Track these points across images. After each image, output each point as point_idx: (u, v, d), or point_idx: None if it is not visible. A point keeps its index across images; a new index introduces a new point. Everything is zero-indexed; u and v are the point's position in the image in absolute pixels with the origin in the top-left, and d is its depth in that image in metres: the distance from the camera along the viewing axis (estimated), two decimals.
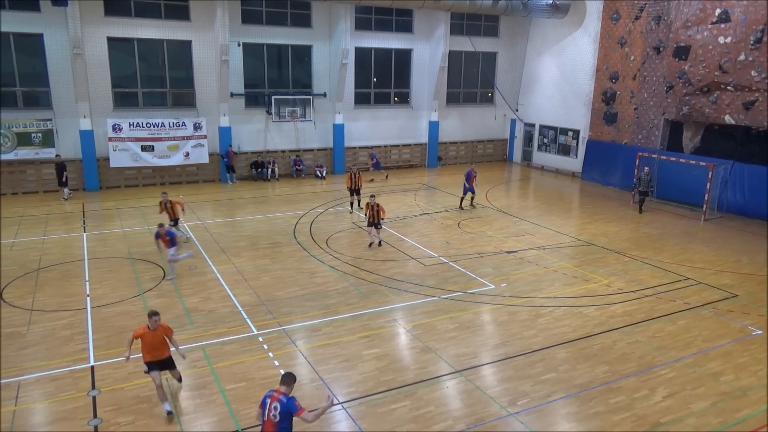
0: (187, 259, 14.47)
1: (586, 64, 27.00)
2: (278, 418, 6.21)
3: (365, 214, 16.54)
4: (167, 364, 8.71)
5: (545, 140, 30.31)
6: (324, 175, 26.90)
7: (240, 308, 12.08)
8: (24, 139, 21.89)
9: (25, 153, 22.00)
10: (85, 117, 22.54)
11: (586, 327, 11.44)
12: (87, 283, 13.41)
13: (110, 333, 10.88)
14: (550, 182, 27.33)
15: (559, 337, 10.99)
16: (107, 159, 23.20)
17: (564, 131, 29.00)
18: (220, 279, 13.75)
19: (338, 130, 27.56)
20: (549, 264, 15.15)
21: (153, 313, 8.44)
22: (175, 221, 15.99)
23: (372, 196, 16.63)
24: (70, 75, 22.07)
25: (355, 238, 17.12)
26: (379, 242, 16.35)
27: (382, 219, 16.26)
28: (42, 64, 21.95)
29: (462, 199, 21.12)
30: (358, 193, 20.34)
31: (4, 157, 21.63)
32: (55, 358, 9.92)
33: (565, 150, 29.08)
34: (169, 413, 8.24)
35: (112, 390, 8.96)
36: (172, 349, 8.77)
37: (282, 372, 9.41)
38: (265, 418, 6.31)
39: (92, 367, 9.67)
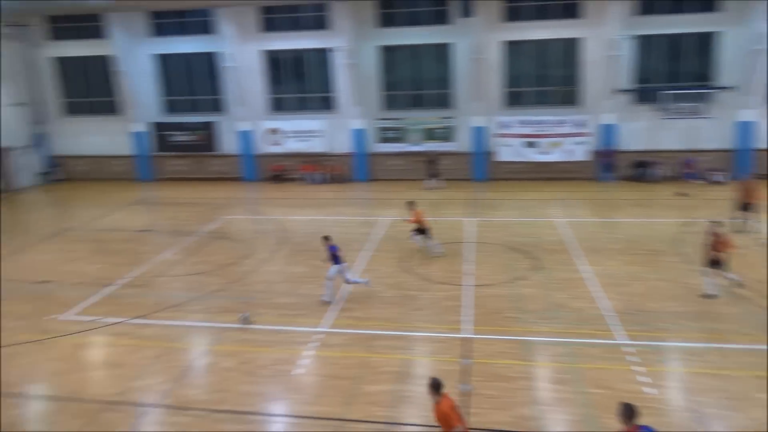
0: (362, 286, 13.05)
1: None
2: None
3: (709, 244, 12.14)
4: None
5: None
6: (722, 180, 23.36)
7: (607, 313, 11.59)
8: (430, 135, 25.66)
9: (430, 146, 25.74)
10: (479, 115, 24.96)
11: None
12: (469, 263, 14.91)
13: (484, 311, 11.87)
14: None
15: None
16: (494, 153, 25.26)
17: None
18: (590, 279, 13.44)
19: (745, 129, 23.51)
20: None
21: (431, 383, 6.67)
22: (422, 231, 15.47)
23: (715, 222, 12.53)
24: (469, 78, 24.74)
25: (759, 259, 14.38)
26: (713, 295, 11.94)
27: (720, 253, 11.86)
28: (450, 70, 25.21)
29: None
30: (752, 209, 16.73)
31: (413, 148, 25.74)
32: (439, 323, 11.38)
33: None
34: None
35: (481, 363, 9.78)
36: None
37: (649, 392, 8.75)
38: None
39: (466, 338, 10.74)
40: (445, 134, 25.58)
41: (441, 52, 25.20)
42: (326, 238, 12.80)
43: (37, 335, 11.47)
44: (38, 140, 28.26)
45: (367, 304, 12.43)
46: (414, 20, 24.85)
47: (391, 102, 26.12)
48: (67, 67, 28.12)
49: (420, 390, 9.07)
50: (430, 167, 24.77)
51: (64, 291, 13.81)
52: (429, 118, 25.60)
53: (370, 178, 26.56)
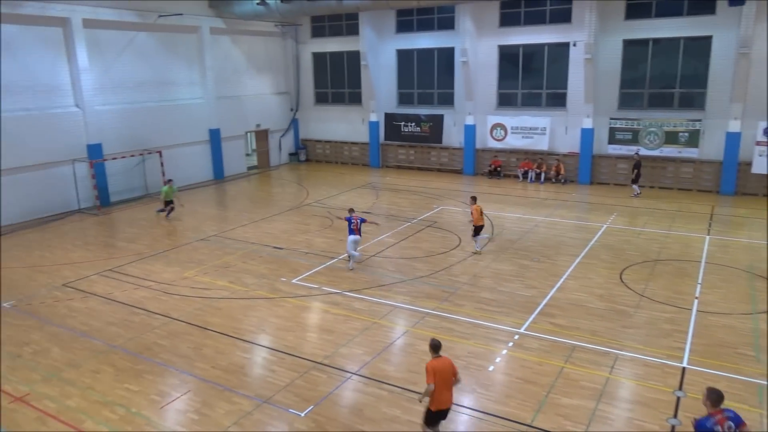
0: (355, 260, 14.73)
1: None
2: None
3: None
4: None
5: None
6: None
7: None
8: (671, 138, 23.02)
9: (669, 151, 23.15)
10: (735, 119, 21.64)
11: None
12: (698, 285, 13.15)
13: (710, 342, 10.39)
14: None
15: None
16: (749, 164, 21.69)
17: None
18: None
19: None
20: None
21: (431, 343, 7.37)
22: (475, 228, 15.56)
23: None
24: (729, 76, 21.53)
25: None
26: None
27: None
28: (704, 66, 22.24)
29: None
30: None
31: (650, 153, 23.41)
32: (652, 346, 10.28)
33: None
34: None
35: (697, 399, 8.58)
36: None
37: None
38: None
39: (684, 368, 9.52)
40: (690, 139, 22.71)
41: (697, 46, 22.33)
42: (350, 210, 15.11)
43: (269, 293, 13.25)
44: (292, 125, 32.40)
45: (571, 313, 11.78)
46: (669, 11, 22.40)
47: (629, 100, 24.06)
48: (319, 61, 31.63)
49: (620, 413, 8.34)
50: (634, 172, 22.35)
51: (295, 258, 15.69)
52: (672, 119, 22.98)
53: (594, 181, 24.92)
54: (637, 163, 22.34)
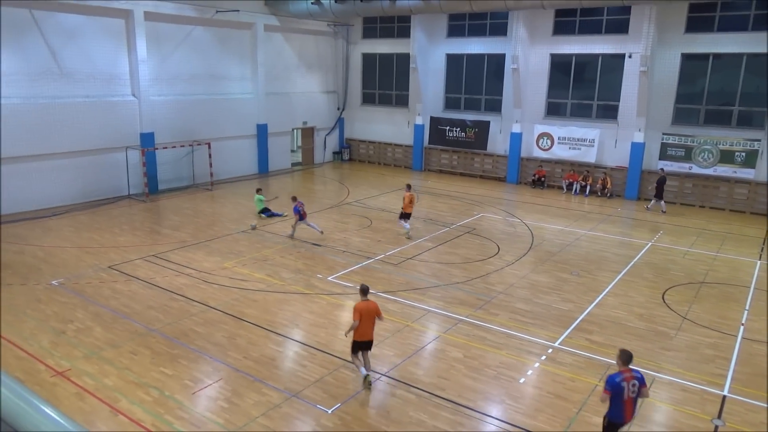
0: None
1: None
2: (636, 393, 6.84)
3: None
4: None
5: None
6: None
7: None
8: (726, 157, 22.18)
9: (723, 170, 22.31)
10: None
11: None
12: (746, 311, 12.63)
13: (754, 371, 9.97)
14: None
15: None
16: None
17: None
18: None
19: None
20: None
21: (360, 287, 9.37)
22: (404, 215, 17.33)
23: None
24: None
25: None
26: None
27: None
28: (766, 85, 21.34)
29: None
30: None
31: (703, 171, 22.62)
32: (692, 371, 9.93)
33: None
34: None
35: (737, 429, 8.26)
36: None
37: None
38: (626, 397, 6.79)
39: (724, 396, 9.16)
40: (746, 159, 21.83)
41: (761, 62, 21.33)
42: (294, 199, 17.36)
43: (305, 289, 13.40)
44: (338, 124, 32.70)
45: (609, 330, 11.49)
46: (732, 26, 21.55)
47: (684, 116, 23.30)
48: (368, 61, 31.82)
49: None
50: (659, 188, 21.74)
51: (331, 255, 15.82)
52: (728, 138, 22.13)
53: (642, 196, 24.22)
54: (662, 179, 21.87)
